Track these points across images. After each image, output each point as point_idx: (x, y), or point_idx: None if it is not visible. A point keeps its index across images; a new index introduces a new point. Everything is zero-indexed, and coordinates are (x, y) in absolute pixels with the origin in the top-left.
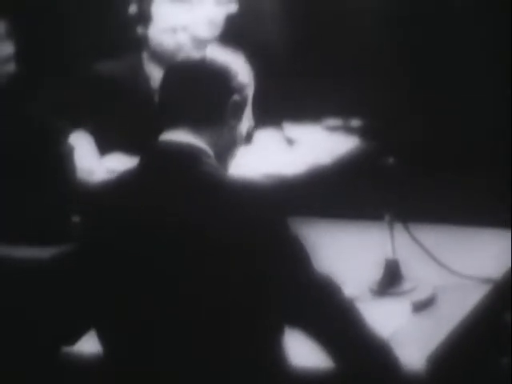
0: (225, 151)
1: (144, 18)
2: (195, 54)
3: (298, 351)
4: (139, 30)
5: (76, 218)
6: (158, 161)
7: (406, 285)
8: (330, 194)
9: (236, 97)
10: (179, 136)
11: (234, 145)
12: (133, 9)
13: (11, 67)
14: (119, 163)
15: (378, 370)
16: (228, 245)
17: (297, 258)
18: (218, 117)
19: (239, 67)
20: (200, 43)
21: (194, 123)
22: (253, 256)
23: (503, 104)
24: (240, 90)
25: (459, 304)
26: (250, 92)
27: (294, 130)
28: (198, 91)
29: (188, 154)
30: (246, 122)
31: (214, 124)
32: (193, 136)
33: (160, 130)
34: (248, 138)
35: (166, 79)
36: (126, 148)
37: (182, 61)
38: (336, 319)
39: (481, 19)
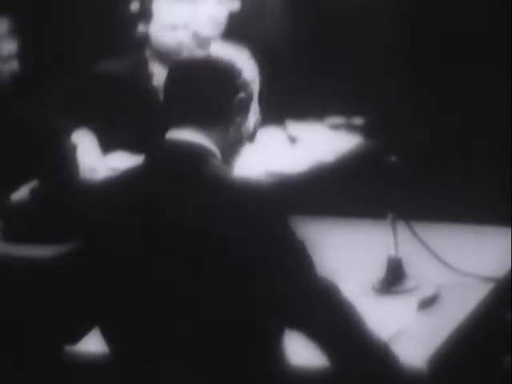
0: (231, 149)
1: (145, 15)
2: (198, 52)
3: (298, 351)
4: (141, 27)
5: (79, 217)
6: (162, 160)
7: (409, 283)
8: (333, 192)
9: (241, 94)
10: (185, 135)
11: (240, 142)
12: (134, 7)
13: (13, 65)
14: (122, 161)
15: (377, 372)
16: (230, 245)
17: (298, 260)
18: (224, 115)
19: (243, 63)
20: (202, 41)
21: (200, 122)
22: (255, 256)
23: (504, 104)
24: (245, 86)
25: (462, 302)
26: (255, 87)
27: (296, 128)
28: (203, 91)
29: (192, 154)
30: (253, 117)
31: (220, 123)
32: (199, 135)
33: (164, 129)
34: (252, 137)
35: (170, 78)
36: (128, 146)
37: (186, 59)
38: (335, 321)
39: (482, 19)
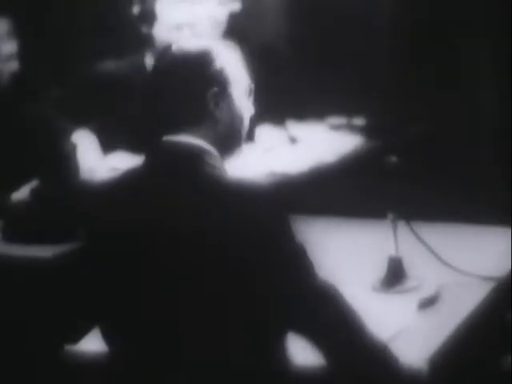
0: (225, 143)
1: (148, 17)
2: (166, 48)
3: (298, 351)
4: (143, 29)
5: (79, 217)
6: (159, 161)
7: (410, 283)
8: (333, 192)
9: (214, 87)
10: (181, 136)
11: (231, 135)
12: (136, 8)
13: (13, 66)
14: (122, 162)
15: (377, 374)
16: (229, 246)
17: (297, 261)
18: (203, 112)
19: (213, 54)
20: None
21: (185, 123)
22: (253, 257)
23: (504, 104)
24: (217, 77)
25: (462, 302)
26: (234, 74)
27: (297, 128)
28: (174, 92)
29: (189, 155)
30: (243, 107)
31: (202, 120)
32: (192, 135)
33: (161, 130)
34: (250, 136)
35: (150, 77)
36: (129, 146)
37: (153, 66)
38: (335, 323)
39: (482, 21)
